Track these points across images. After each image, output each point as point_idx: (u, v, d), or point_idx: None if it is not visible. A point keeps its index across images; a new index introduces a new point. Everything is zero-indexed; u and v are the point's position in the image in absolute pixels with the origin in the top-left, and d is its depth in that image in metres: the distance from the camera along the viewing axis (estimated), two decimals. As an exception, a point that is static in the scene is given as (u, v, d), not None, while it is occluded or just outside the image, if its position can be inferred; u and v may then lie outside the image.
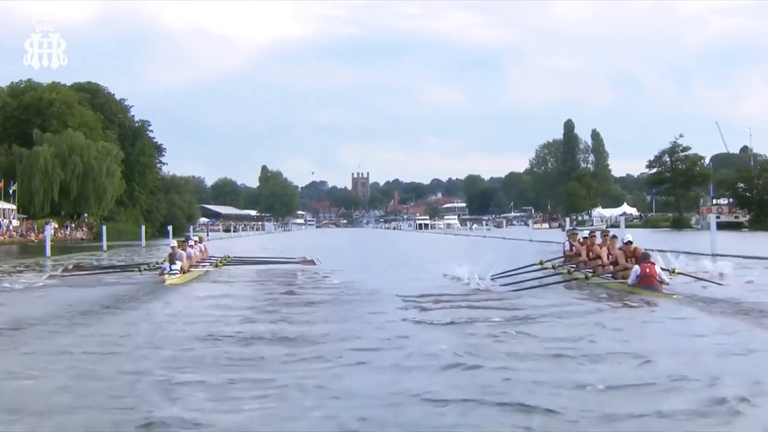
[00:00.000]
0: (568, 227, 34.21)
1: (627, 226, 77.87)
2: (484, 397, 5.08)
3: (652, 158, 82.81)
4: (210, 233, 62.34)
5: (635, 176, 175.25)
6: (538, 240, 35.63)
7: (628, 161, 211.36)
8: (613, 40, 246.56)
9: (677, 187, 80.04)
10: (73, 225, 60.44)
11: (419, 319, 9.11)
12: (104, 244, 33.24)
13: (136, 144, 75.86)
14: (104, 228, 36.12)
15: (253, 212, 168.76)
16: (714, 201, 73.39)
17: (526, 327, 8.37)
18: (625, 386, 5.43)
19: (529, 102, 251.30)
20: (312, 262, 19.11)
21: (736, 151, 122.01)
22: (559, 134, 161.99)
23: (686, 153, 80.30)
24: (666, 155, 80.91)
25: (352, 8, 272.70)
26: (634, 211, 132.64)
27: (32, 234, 51.94)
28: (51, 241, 53.80)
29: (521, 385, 5.46)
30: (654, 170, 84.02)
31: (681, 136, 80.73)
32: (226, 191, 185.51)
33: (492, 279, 13.92)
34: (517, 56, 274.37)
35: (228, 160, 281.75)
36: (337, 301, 11.31)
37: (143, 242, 38.37)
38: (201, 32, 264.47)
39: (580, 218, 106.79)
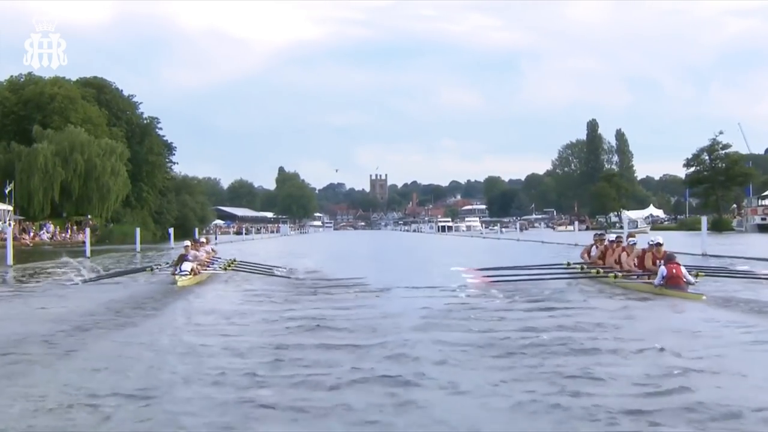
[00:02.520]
0: (626, 229, 30.03)
1: (657, 229, 74.03)
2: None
3: (689, 156, 77.63)
4: (218, 236, 58.53)
5: (656, 178, 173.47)
6: (585, 245, 31.31)
7: (646, 164, 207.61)
8: (629, 42, 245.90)
9: (716, 187, 74.93)
10: (75, 227, 56.78)
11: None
12: (87, 249, 28.84)
13: (144, 142, 72.09)
14: (88, 231, 32.01)
15: (269, 214, 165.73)
16: (760, 201, 68.42)
17: (557, 324, 8.66)
18: (652, 382, 5.58)
19: (546, 104, 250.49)
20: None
21: (758, 152, 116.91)
22: (576, 136, 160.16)
23: (726, 151, 75.25)
24: (705, 153, 75.83)
25: (369, 10, 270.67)
26: (660, 213, 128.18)
27: (26, 237, 48.42)
28: (50, 244, 51.25)
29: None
30: (692, 169, 78.71)
31: (721, 132, 75.58)
32: (243, 193, 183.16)
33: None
34: (533, 58, 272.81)
35: (245, 162, 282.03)
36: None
37: (138, 247, 34.26)
38: (217, 35, 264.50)
39: (607, 220, 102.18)
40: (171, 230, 40.17)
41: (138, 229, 36.18)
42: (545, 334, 7.86)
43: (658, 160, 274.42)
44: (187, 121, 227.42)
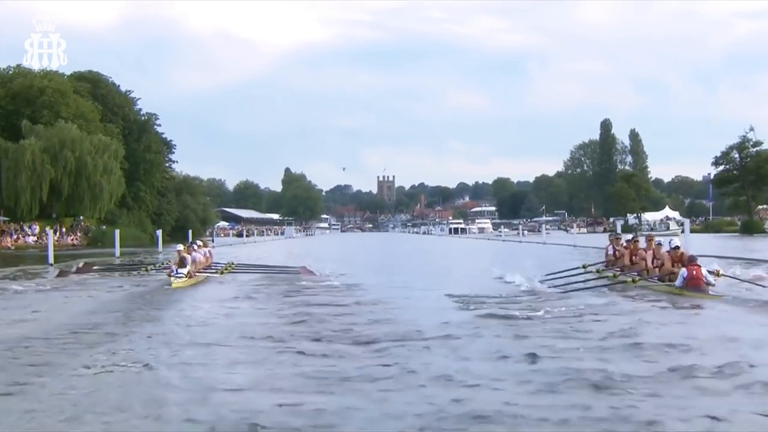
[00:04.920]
0: (687, 232, 26.25)
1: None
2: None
3: (718, 154, 72.98)
4: (215, 238, 54.43)
5: (665, 180, 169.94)
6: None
7: (653, 165, 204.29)
8: (637, 44, 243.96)
9: (747, 187, 70.44)
10: (64, 229, 53.05)
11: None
12: (50, 255, 24.71)
13: (142, 139, 68.34)
14: (50, 233, 28.08)
15: (275, 216, 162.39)
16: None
17: (580, 327, 8.62)
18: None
19: (554, 106, 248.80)
20: (312, 273, 18.80)
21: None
22: (584, 138, 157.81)
23: (758, 148, 70.48)
24: (735, 151, 71.30)
25: (377, 12, 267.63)
26: (676, 215, 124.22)
27: (8, 239, 44.73)
28: (35, 247, 47.46)
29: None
30: (720, 168, 74.11)
31: (751, 129, 70.92)
32: (248, 194, 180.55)
33: (539, 282, 14.27)
34: (541, 60, 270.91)
35: (251, 163, 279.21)
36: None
37: (117, 251, 30.29)
38: (225, 36, 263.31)
39: (625, 222, 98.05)
40: (159, 233, 35.97)
41: (117, 231, 32.01)
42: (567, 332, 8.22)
43: (666, 162, 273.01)
44: (193, 123, 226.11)
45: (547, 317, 9.50)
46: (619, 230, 32.00)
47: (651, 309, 10.54)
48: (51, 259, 24.25)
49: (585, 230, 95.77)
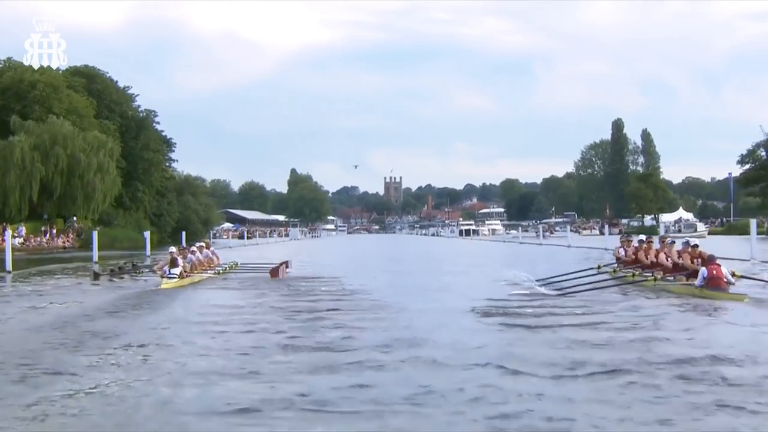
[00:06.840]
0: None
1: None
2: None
3: (744, 152, 69.70)
4: (217, 240, 51.32)
5: (673, 182, 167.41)
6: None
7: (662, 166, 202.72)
8: (642, 45, 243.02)
9: (773, 187, 67.09)
10: (54, 230, 50.09)
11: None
12: (8, 259, 21.09)
13: (140, 137, 65.36)
14: (8, 234, 24.99)
15: (281, 217, 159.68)
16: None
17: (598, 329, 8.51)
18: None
19: (559, 108, 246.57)
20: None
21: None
22: (589, 139, 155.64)
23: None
24: (761, 149, 67.92)
25: (381, 14, 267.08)
26: (690, 216, 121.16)
27: (-9, 241, 41.75)
28: (21, 250, 44.33)
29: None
30: (746, 166, 70.65)
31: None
32: (254, 195, 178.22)
33: (552, 283, 14.19)
34: (546, 62, 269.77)
35: (257, 164, 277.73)
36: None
37: (95, 255, 27.13)
38: (230, 38, 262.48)
39: (642, 224, 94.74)
40: (146, 234, 32.89)
41: (95, 233, 28.97)
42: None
43: (671, 163, 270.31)
44: (198, 124, 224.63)
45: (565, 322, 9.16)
46: (662, 231, 28.83)
47: (675, 310, 10.45)
48: (9, 266, 20.98)
49: (597, 232, 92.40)
